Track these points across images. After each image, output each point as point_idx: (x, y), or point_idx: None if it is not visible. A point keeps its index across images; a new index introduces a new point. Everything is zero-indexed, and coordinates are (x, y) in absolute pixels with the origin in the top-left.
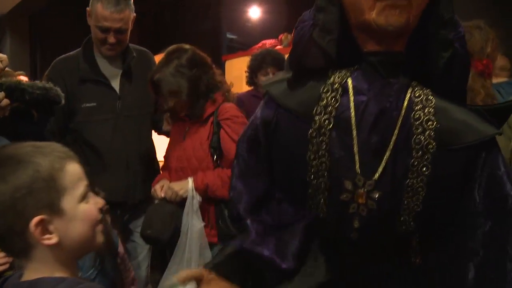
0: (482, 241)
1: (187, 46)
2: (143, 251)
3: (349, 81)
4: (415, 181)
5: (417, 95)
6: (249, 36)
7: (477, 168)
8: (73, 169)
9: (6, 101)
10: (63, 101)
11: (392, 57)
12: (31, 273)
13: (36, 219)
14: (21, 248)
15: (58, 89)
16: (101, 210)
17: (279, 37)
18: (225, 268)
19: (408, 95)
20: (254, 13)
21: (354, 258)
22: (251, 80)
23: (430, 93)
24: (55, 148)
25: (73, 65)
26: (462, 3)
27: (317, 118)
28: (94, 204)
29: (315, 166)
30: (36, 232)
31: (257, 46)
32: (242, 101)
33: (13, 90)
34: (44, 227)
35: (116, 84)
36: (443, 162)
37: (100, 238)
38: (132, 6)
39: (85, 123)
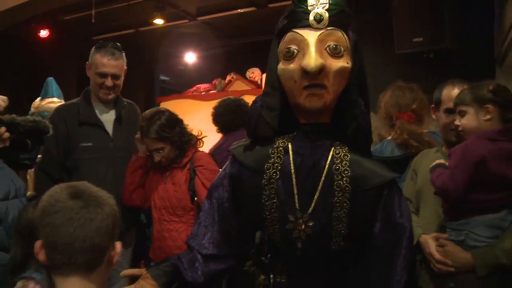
0: (380, 257)
1: (162, 109)
2: (119, 280)
3: (289, 145)
4: (339, 213)
5: (337, 152)
6: (184, 79)
7: (380, 202)
8: None
9: (7, 134)
10: (51, 131)
11: (318, 126)
12: None
13: (119, 243)
14: (91, 264)
15: (46, 122)
16: None
17: (213, 82)
18: (157, 273)
19: (331, 153)
20: (190, 58)
21: (301, 270)
22: None
23: (347, 150)
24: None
25: (74, 110)
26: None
27: (267, 171)
28: None
29: (268, 206)
30: (115, 253)
31: (191, 89)
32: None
33: (10, 124)
34: (117, 251)
35: (109, 128)
36: (358, 199)
37: None
38: (125, 58)
39: (82, 160)
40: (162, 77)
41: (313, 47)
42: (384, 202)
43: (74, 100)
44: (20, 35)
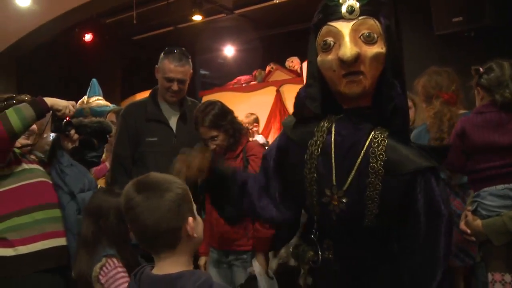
0: (422, 240)
1: (214, 100)
2: None
3: (333, 126)
4: (372, 193)
5: (376, 137)
6: (224, 72)
7: (415, 188)
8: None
9: (76, 136)
10: (113, 131)
11: (360, 111)
12: (169, 265)
13: (191, 218)
14: (171, 242)
15: (108, 122)
16: None
17: (253, 73)
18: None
19: (370, 137)
20: (229, 51)
21: (345, 246)
22: None
23: (387, 135)
24: (175, 177)
25: (142, 108)
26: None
27: (310, 148)
28: None
29: (308, 178)
30: (190, 228)
31: (232, 82)
32: None
33: (78, 126)
34: (191, 225)
35: (173, 125)
36: (390, 183)
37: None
38: (191, 63)
39: (147, 153)
40: (203, 72)
41: (347, 37)
42: (420, 188)
43: (143, 99)
44: (66, 41)
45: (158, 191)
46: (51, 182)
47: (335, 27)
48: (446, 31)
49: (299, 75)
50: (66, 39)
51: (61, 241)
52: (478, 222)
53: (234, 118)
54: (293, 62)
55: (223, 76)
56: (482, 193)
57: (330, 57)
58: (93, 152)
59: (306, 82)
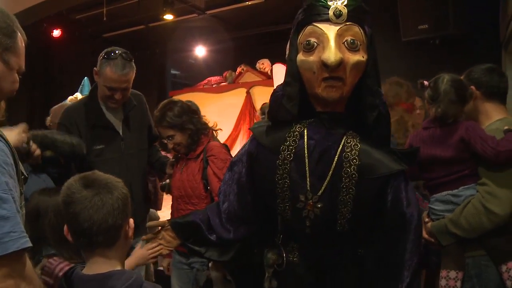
0: (390, 241)
1: (176, 99)
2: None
3: (305, 130)
4: (345, 198)
5: (348, 141)
6: (194, 73)
7: (387, 191)
8: None
9: (38, 152)
10: (85, 152)
11: (333, 115)
12: (101, 265)
13: (132, 219)
14: (113, 239)
15: (84, 144)
16: None
17: (224, 74)
18: (178, 226)
19: (343, 141)
20: (200, 51)
21: (312, 249)
22: None
23: (359, 140)
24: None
25: (83, 112)
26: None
27: (282, 153)
28: None
29: (280, 184)
30: (130, 228)
31: (203, 82)
32: None
33: (48, 144)
34: (132, 225)
35: (119, 128)
36: (363, 186)
37: None
38: (134, 65)
39: (96, 162)
40: (173, 72)
41: (333, 41)
42: (391, 192)
43: (80, 102)
44: (33, 36)
45: (106, 188)
46: None
47: (321, 29)
48: (412, 37)
49: (270, 77)
50: (34, 34)
51: None
52: (429, 225)
53: (194, 118)
54: (264, 64)
55: (193, 77)
56: (431, 199)
57: (312, 58)
58: (55, 168)
59: (285, 81)
